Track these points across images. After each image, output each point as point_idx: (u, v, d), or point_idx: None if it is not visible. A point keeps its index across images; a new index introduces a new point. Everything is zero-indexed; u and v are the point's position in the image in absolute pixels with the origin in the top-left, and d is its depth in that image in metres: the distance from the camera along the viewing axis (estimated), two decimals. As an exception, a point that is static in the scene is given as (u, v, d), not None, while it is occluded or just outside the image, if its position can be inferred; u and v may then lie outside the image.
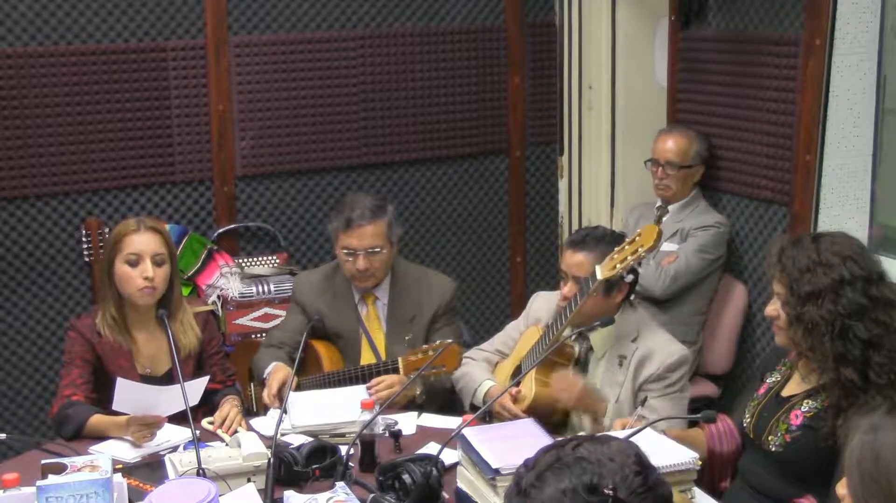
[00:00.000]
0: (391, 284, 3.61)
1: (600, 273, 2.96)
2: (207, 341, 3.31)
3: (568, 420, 3.12)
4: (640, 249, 2.90)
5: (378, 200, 3.58)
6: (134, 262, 3.10)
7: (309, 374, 3.54)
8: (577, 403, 3.03)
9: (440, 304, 3.59)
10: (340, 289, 3.64)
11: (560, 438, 2.48)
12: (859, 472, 1.77)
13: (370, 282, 3.56)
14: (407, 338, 3.52)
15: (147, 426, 2.93)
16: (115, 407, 2.97)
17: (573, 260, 3.13)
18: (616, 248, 2.97)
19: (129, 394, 2.94)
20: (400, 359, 3.31)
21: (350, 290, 3.63)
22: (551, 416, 3.07)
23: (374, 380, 3.28)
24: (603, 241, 3.13)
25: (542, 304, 3.38)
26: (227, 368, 3.39)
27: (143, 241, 3.12)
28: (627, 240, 2.97)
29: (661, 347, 3.07)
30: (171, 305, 3.18)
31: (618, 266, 2.93)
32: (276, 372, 3.39)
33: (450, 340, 3.26)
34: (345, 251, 3.51)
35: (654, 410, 2.94)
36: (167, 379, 3.12)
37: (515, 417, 3.04)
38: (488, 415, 3.08)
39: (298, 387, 3.43)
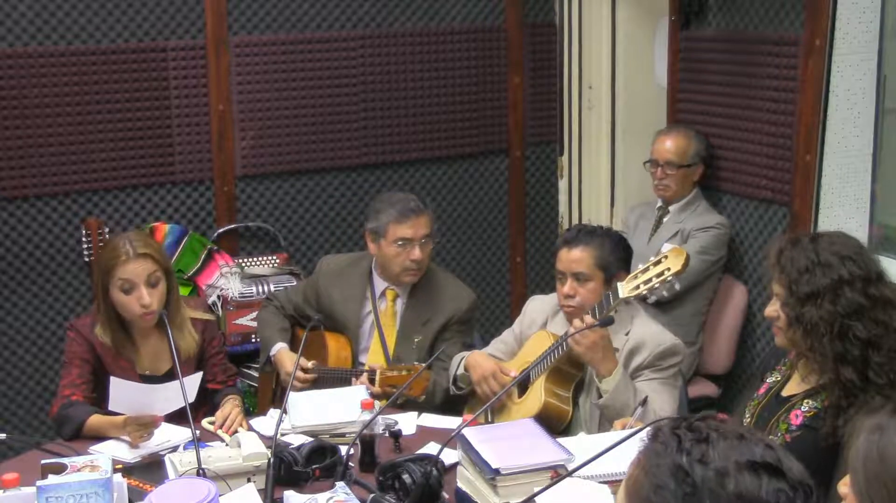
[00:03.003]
0: (413, 285, 3.62)
1: (622, 291, 2.95)
2: (208, 342, 3.30)
3: (571, 424, 3.12)
4: (666, 272, 2.88)
5: (419, 196, 3.65)
6: (128, 290, 3.08)
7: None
8: (588, 351, 2.97)
9: (453, 315, 3.58)
10: (358, 279, 3.66)
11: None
12: (864, 472, 1.77)
13: (418, 275, 3.57)
14: (416, 339, 3.53)
15: (143, 426, 2.92)
16: (111, 407, 2.97)
17: (570, 257, 3.14)
18: (640, 268, 2.96)
19: (124, 394, 2.94)
20: (377, 371, 3.32)
21: (367, 283, 3.65)
22: (559, 426, 3.06)
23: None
24: (595, 233, 3.16)
25: (538, 307, 3.38)
26: (228, 368, 3.40)
27: (134, 269, 3.07)
28: (652, 259, 2.96)
29: (652, 336, 3.08)
30: (170, 313, 3.16)
31: (641, 286, 2.92)
32: (283, 360, 3.57)
33: (423, 365, 3.27)
34: (399, 243, 3.50)
35: (645, 395, 2.94)
36: (167, 378, 3.12)
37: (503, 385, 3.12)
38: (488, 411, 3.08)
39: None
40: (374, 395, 3.30)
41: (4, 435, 2.97)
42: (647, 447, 1.53)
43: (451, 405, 3.44)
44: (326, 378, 3.54)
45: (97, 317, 3.18)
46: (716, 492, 1.44)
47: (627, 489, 1.53)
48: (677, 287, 2.95)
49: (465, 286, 3.77)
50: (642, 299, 3.15)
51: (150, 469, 2.81)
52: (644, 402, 2.91)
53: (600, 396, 2.98)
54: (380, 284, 3.64)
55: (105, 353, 3.16)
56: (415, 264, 3.52)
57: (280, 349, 3.64)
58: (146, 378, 3.15)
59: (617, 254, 3.15)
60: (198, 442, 2.70)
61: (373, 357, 3.58)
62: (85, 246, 4.30)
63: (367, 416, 2.86)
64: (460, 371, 3.33)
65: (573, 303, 3.13)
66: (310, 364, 3.51)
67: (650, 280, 2.91)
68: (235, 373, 3.47)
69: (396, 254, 3.51)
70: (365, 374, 3.38)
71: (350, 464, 2.74)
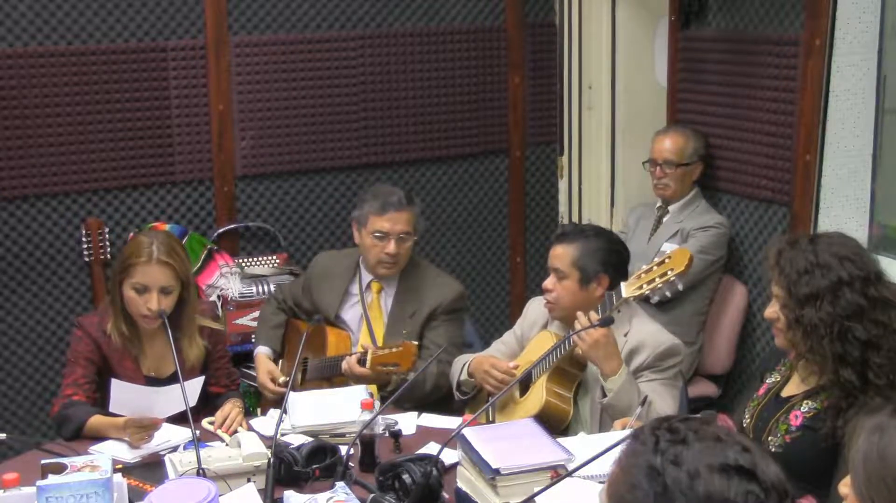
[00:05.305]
0: (401, 278, 3.66)
1: (625, 291, 2.96)
2: (214, 345, 3.31)
3: (571, 424, 3.13)
4: (669, 272, 2.88)
5: (408, 192, 3.71)
6: (141, 291, 3.08)
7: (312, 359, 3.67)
8: (591, 350, 2.97)
9: (440, 304, 3.61)
10: (344, 272, 3.72)
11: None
12: (865, 472, 1.78)
13: (394, 269, 3.62)
14: (404, 332, 3.55)
15: (144, 428, 2.92)
16: (112, 408, 2.97)
17: (553, 252, 3.19)
18: (644, 268, 2.96)
19: (125, 396, 2.95)
20: (369, 353, 3.34)
21: (353, 275, 3.71)
22: (559, 425, 3.06)
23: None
24: (583, 233, 3.19)
25: (538, 308, 3.39)
26: (231, 373, 3.40)
27: (152, 274, 3.06)
28: (656, 260, 2.96)
29: (652, 337, 3.08)
30: (181, 324, 3.16)
31: (644, 286, 2.92)
32: (261, 364, 3.70)
33: (414, 342, 3.32)
34: (376, 235, 3.57)
35: (645, 394, 2.94)
36: (171, 381, 3.11)
37: (503, 382, 3.13)
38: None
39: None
40: (364, 380, 3.31)
41: (4, 435, 2.98)
42: (627, 446, 1.56)
43: (445, 400, 3.46)
44: (319, 367, 3.57)
45: (109, 308, 3.18)
46: (685, 494, 1.46)
47: (608, 487, 1.56)
48: (680, 287, 2.95)
49: (452, 279, 3.81)
50: (645, 299, 3.16)
51: (150, 469, 2.81)
52: (644, 402, 2.91)
53: (605, 395, 2.98)
54: (366, 276, 3.70)
55: (111, 353, 3.16)
56: (389, 258, 3.57)
57: (259, 353, 3.77)
58: (150, 380, 3.16)
59: (599, 257, 3.13)
60: (198, 442, 2.70)
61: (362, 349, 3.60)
62: (85, 246, 4.31)
63: (367, 416, 2.86)
64: (464, 377, 3.33)
65: (549, 297, 3.18)
66: (281, 379, 3.60)
67: (653, 280, 2.91)
68: (238, 378, 3.48)
69: (373, 246, 3.58)
70: (355, 356, 3.39)
71: (350, 464, 2.74)
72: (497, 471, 2.42)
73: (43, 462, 2.59)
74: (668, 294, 2.98)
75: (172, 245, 3.16)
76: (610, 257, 3.15)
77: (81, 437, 3.01)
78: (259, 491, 2.58)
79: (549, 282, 3.19)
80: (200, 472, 2.58)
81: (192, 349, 3.19)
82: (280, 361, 3.78)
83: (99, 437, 3.00)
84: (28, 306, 4.34)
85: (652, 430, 1.56)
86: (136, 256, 3.08)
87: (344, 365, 3.40)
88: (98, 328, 3.17)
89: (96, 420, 3.01)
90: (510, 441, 2.55)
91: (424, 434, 3.06)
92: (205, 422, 3.11)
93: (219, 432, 3.05)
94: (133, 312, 3.12)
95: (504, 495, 2.42)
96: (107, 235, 4.32)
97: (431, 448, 2.84)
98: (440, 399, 3.50)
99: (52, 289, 4.36)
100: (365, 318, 3.64)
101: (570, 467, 2.40)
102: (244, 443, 2.72)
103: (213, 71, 4.45)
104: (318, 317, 3.61)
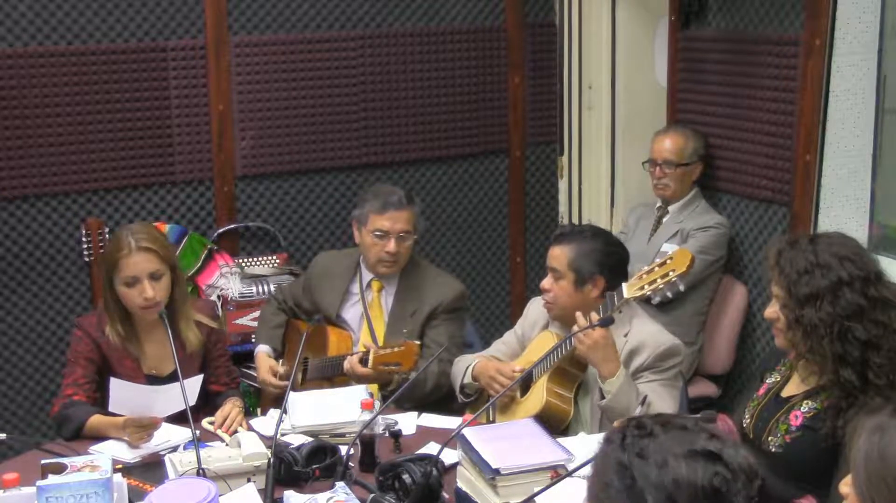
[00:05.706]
0: (401, 277, 3.66)
1: (626, 292, 2.96)
2: (214, 343, 3.31)
3: (571, 424, 3.13)
4: (671, 273, 2.88)
5: (408, 191, 3.72)
6: (132, 283, 3.09)
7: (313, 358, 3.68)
8: (589, 351, 2.97)
9: (440, 303, 3.61)
10: (344, 271, 3.73)
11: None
12: (865, 471, 1.78)
13: (394, 268, 3.62)
14: (405, 331, 3.55)
15: (143, 427, 2.92)
16: (111, 408, 2.97)
17: (552, 253, 3.20)
18: (645, 268, 2.96)
19: (124, 395, 2.95)
20: (371, 352, 3.34)
21: (354, 274, 3.71)
22: (559, 426, 3.06)
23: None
24: (581, 234, 3.20)
25: (539, 308, 3.39)
26: (231, 370, 3.41)
27: (136, 264, 3.08)
28: (657, 261, 2.96)
29: (652, 337, 3.08)
30: (175, 306, 3.17)
31: (646, 287, 2.92)
32: (261, 362, 3.71)
33: (416, 341, 3.33)
34: (376, 233, 3.57)
35: (645, 394, 2.95)
36: (171, 379, 3.12)
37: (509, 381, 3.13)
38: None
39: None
40: (366, 379, 3.31)
41: (4, 435, 2.98)
42: (599, 448, 1.59)
43: (446, 400, 3.46)
44: (320, 367, 3.57)
45: (105, 313, 3.18)
46: (654, 483, 1.50)
47: (587, 491, 1.58)
48: (681, 288, 2.95)
49: (453, 278, 3.82)
50: (646, 300, 3.16)
51: (150, 469, 2.81)
52: (644, 402, 2.91)
53: (603, 397, 2.98)
54: (367, 275, 3.70)
55: (111, 353, 3.16)
56: (389, 257, 3.58)
57: (259, 351, 3.78)
58: (151, 378, 3.16)
59: (595, 259, 3.13)
60: (198, 442, 2.70)
61: (363, 348, 3.61)
62: (85, 246, 4.31)
63: (367, 416, 2.86)
64: (467, 380, 3.33)
65: (547, 297, 3.20)
66: (281, 370, 3.62)
67: (655, 281, 2.91)
68: (238, 377, 3.48)
69: (373, 244, 3.59)
70: (357, 355, 3.39)
71: (350, 464, 2.74)
72: (497, 471, 2.42)
73: (43, 462, 2.59)
74: (669, 295, 2.98)
75: (149, 231, 3.22)
76: (607, 259, 3.15)
77: (81, 437, 3.01)
78: (259, 491, 2.58)
79: (546, 283, 3.20)
80: (200, 472, 2.58)
81: (189, 330, 3.20)
82: (280, 361, 3.78)
83: (99, 437, 3.00)
84: (28, 306, 4.34)
85: (621, 429, 1.59)
86: (117, 251, 3.11)
87: (346, 364, 3.40)
88: (98, 328, 3.18)
89: (96, 420, 3.02)
90: (510, 441, 2.55)
91: (424, 434, 3.06)
92: (205, 422, 3.11)
93: (219, 432, 3.05)
94: (131, 307, 3.13)
95: (504, 495, 2.42)
96: (107, 235, 4.32)
97: (431, 448, 2.84)
98: (440, 399, 3.50)
99: (52, 289, 4.36)
100: (366, 317, 3.65)
101: (570, 467, 2.40)
102: (244, 443, 2.72)
103: (213, 71, 4.45)
104: (319, 316, 3.62)
